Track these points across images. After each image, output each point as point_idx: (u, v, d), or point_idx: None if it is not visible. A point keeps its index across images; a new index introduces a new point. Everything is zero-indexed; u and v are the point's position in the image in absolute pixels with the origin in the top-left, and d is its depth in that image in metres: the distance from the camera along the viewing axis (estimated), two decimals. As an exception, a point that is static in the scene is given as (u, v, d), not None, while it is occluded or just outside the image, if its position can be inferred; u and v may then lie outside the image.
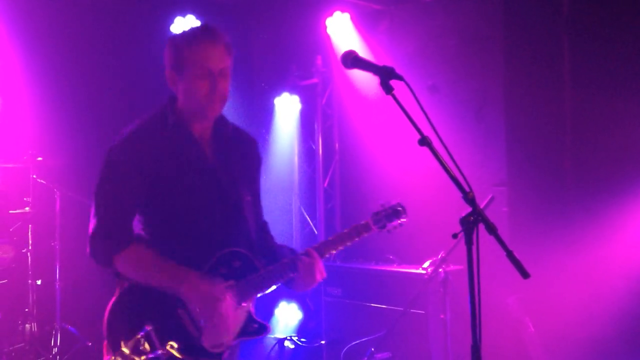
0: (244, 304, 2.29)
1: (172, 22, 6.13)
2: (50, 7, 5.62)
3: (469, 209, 1.88)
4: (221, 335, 2.22)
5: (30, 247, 5.23)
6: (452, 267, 4.35)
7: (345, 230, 2.49)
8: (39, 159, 5.29)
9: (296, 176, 6.70)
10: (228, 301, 2.22)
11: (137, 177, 2.26)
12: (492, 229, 1.83)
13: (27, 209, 5.25)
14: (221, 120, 2.45)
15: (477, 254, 1.83)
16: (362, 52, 5.83)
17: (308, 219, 6.56)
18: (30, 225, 5.26)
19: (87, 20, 5.91)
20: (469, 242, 1.85)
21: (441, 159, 1.91)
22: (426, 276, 4.42)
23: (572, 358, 4.57)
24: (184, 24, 6.11)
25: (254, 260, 2.36)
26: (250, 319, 2.33)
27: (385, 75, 2.01)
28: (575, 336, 4.59)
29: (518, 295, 4.73)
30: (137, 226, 2.32)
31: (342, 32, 5.95)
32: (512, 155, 5.06)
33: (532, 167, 5.02)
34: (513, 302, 4.73)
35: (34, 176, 5.29)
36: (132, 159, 2.28)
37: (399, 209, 2.60)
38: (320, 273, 2.38)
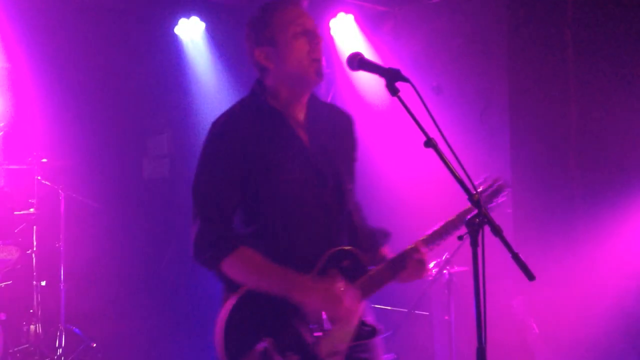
0: None
1: (176, 23, 6.15)
2: (56, 11, 5.65)
3: (474, 211, 1.88)
4: (340, 339, 2.10)
5: (34, 249, 5.24)
6: (456, 269, 4.35)
7: (450, 218, 2.31)
8: (44, 160, 5.30)
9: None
10: (352, 292, 2.09)
11: (237, 169, 2.13)
12: (497, 231, 1.83)
13: (31, 210, 5.27)
14: (314, 99, 2.30)
15: (482, 255, 1.82)
16: (367, 53, 5.82)
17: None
18: (34, 227, 5.27)
19: (92, 23, 5.94)
20: (474, 244, 1.84)
21: (447, 160, 1.91)
22: (431, 277, 4.41)
23: (577, 360, 4.56)
24: (188, 25, 6.12)
25: (362, 259, 2.22)
26: (361, 322, 2.20)
27: (392, 77, 1.99)
28: (580, 338, 4.57)
29: (523, 297, 4.72)
30: (235, 223, 2.19)
31: (345, 33, 5.95)
32: (517, 156, 5.05)
33: (537, 168, 5.01)
34: (518, 303, 4.72)
35: (39, 178, 5.31)
36: (229, 149, 2.13)
37: (501, 183, 2.44)
38: (427, 267, 2.26)
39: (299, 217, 2.17)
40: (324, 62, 2.20)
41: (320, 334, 2.08)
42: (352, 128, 2.40)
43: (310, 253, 2.15)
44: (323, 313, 2.08)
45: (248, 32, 2.27)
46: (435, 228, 2.31)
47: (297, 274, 2.09)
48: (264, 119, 2.20)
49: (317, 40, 2.19)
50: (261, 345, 1.95)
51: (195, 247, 2.14)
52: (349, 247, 2.22)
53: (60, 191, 5.35)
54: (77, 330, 5.30)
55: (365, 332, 2.20)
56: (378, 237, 2.40)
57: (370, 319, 2.24)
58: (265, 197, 2.15)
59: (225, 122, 2.20)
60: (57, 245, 5.36)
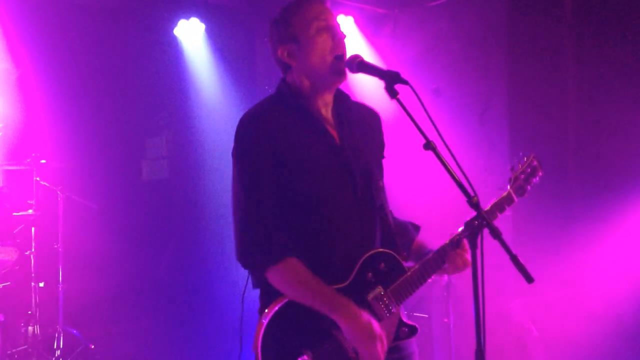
0: (393, 310, 2.14)
1: (175, 25, 6.14)
2: (55, 12, 5.64)
3: (474, 213, 1.88)
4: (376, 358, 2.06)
5: (33, 250, 5.23)
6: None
7: (487, 208, 2.24)
8: (43, 161, 5.29)
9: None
10: (384, 342, 2.05)
11: (274, 164, 2.08)
12: (496, 234, 1.83)
13: (30, 211, 5.25)
14: (341, 95, 2.27)
15: (481, 258, 1.83)
16: (366, 55, 5.83)
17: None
18: (33, 228, 5.26)
19: (91, 24, 5.93)
20: (473, 247, 1.85)
21: (446, 163, 1.91)
22: (430, 280, 4.41)
23: (576, 363, 4.56)
24: (187, 27, 6.12)
25: (399, 259, 2.18)
26: (400, 323, 2.18)
27: (391, 79, 1.99)
28: (579, 341, 4.57)
29: (522, 300, 4.71)
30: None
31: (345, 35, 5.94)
32: (515, 158, 5.04)
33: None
34: (516, 306, 4.72)
35: (38, 179, 5.30)
36: (263, 144, 2.08)
37: (535, 163, 2.39)
38: (467, 261, 2.17)
39: (332, 214, 2.12)
40: (346, 59, 2.16)
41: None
42: (380, 125, 2.38)
43: (345, 252, 2.12)
44: None
45: (271, 31, 2.25)
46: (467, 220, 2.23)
47: (343, 298, 2.04)
48: (293, 115, 2.17)
49: (340, 36, 2.18)
50: (302, 358, 1.94)
51: (242, 249, 2.08)
52: (384, 249, 2.18)
53: (59, 192, 5.34)
54: (75, 331, 5.29)
55: (404, 333, 2.19)
56: (410, 229, 2.37)
57: (406, 318, 2.22)
58: (298, 194, 2.10)
59: (254, 119, 2.15)
60: (55, 246, 5.35)
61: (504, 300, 4.68)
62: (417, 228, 2.39)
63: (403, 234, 2.34)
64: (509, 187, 2.36)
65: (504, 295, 4.63)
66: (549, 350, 4.62)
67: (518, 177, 2.38)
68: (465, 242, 2.15)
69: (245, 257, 2.08)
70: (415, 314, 4.47)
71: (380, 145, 2.36)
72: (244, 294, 2.21)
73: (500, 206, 2.31)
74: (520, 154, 2.45)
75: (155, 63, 6.56)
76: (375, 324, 2.04)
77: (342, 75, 2.18)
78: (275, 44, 2.23)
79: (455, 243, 2.16)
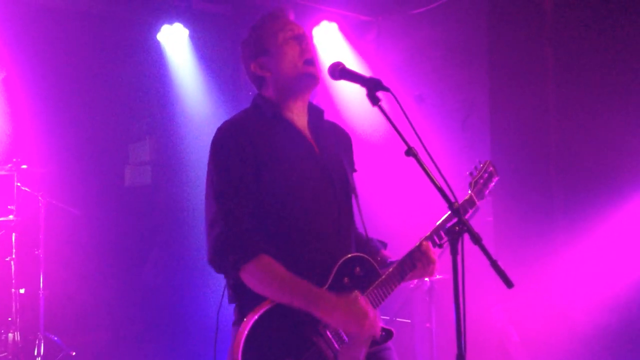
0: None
1: (159, 30, 6.13)
2: (38, 17, 5.61)
3: (455, 219, 1.90)
4: (359, 349, 2.09)
5: (13, 256, 5.18)
6: (437, 277, 4.37)
7: (450, 213, 2.22)
8: (24, 167, 5.25)
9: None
10: (373, 311, 2.09)
11: (252, 170, 2.10)
12: (476, 239, 1.85)
13: (11, 217, 5.21)
14: (315, 109, 2.33)
15: (462, 263, 1.85)
16: (350, 62, 5.87)
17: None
18: (14, 234, 5.22)
19: (75, 29, 5.91)
20: (454, 252, 1.87)
21: (427, 169, 1.93)
22: (412, 285, 4.44)
23: (557, 367, 4.60)
24: (171, 32, 6.11)
25: (373, 263, 2.21)
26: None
27: (373, 86, 2.02)
28: (560, 345, 4.62)
29: (503, 304, 4.76)
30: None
31: (328, 41, 5.98)
32: (498, 163, 5.09)
33: (517, 177, 5.07)
34: (498, 311, 4.76)
35: (19, 184, 5.26)
36: (241, 150, 2.10)
37: (491, 169, 2.47)
38: (436, 264, 2.24)
39: (312, 220, 2.15)
40: (317, 62, 2.24)
41: (339, 346, 2.07)
42: (351, 144, 2.46)
43: (323, 259, 2.14)
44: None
45: (243, 52, 2.32)
46: (438, 223, 2.29)
47: (319, 289, 2.05)
48: (271, 124, 2.21)
49: (306, 41, 2.24)
50: None
51: (214, 251, 2.07)
52: (359, 254, 2.21)
53: (40, 198, 5.31)
54: (56, 338, 5.24)
55: (381, 337, 2.20)
56: (377, 244, 2.41)
57: (382, 323, 2.23)
58: (278, 200, 2.12)
59: (233, 126, 2.17)
60: (36, 252, 5.31)
61: (485, 304, 4.72)
62: (384, 244, 2.43)
63: (371, 245, 2.38)
64: (470, 191, 2.43)
65: (486, 299, 4.67)
66: (530, 354, 4.66)
67: (477, 182, 2.45)
68: (429, 244, 2.24)
69: (219, 258, 2.06)
70: (397, 319, 4.49)
71: (352, 161, 2.43)
72: (219, 308, 2.21)
73: (463, 208, 2.38)
74: (477, 160, 2.52)
75: (139, 68, 6.54)
76: (359, 302, 2.06)
77: (314, 78, 2.24)
78: (247, 61, 2.30)
79: (419, 246, 2.23)
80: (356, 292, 2.09)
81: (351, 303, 2.05)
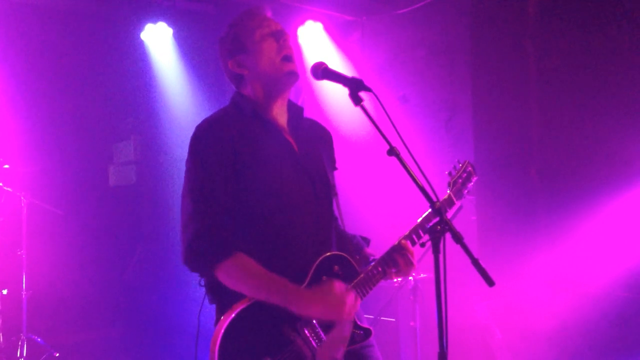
0: None
1: (142, 29, 6.10)
2: (21, 15, 5.56)
3: (436, 218, 1.92)
4: (337, 346, 2.09)
5: (-4, 256, 5.14)
6: (421, 275, 4.40)
7: (429, 212, 2.27)
8: (6, 166, 5.21)
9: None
10: (351, 292, 2.08)
11: (229, 169, 2.08)
12: (458, 238, 1.86)
13: (-7, 217, 5.16)
14: (294, 107, 2.32)
15: (444, 262, 1.86)
16: (334, 62, 5.88)
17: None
18: (-4, 234, 5.17)
19: (58, 28, 5.87)
20: (436, 251, 1.88)
21: (409, 169, 1.94)
22: (396, 284, 4.46)
23: (539, 364, 4.65)
24: (155, 31, 6.09)
25: (352, 261, 2.21)
26: (355, 326, 2.20)
27: (355, 86, 2.03)
28: (543, 343, 4.66)
29: (486, 303, 4.79)
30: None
31: (313, 41, 5.98)
32: (480, 164, 5.15)
33: (500, 176, 5.11)
34: (481, 309, 4.80)
35: (1, 184, 5.21)
36: (219, 150, 2.09)
37: (470, 169, 2.48)
38: (415, 262, 2.23)
39: (292, 218, 2.14)
40: (295, 59, 2.23)
41: (317, 345, 2.07)
42: (332, 142, 2.44)
43: (302, 258, 2.13)
44: (316, 324, 2.07)
45: (220, 48, 2.30)
46: (418, 222, 2.30)
47: (295, 285, 2.04)
48: (250, 122, 2.20)
49: (284, 37, 2.23)
50: None
51: (189, 251, 2.06)
52: (339, 252, 2.21)
53: (22, 198, 5.26)
54: (39, 339, 5.21)
55: (359, 336, 2.21)
56: (359, 241, 2.41)
57: (361, 322, 2.24)
58: (257, 198, 2.11)
59: (211, 125, 2.16)
60: (19, 253, 5.26)
61: (469, 303, 4.75)
62: (367, 240, 2.44)
63: (353, 243, 2.38)
64: (448, 190, 2.44)
65: (469, 298, 4.71)
66: (512, 352, 4.71)
67: (456, 182, 2.46)
68: (408, 243, 2.24)
69: (193, 259, 2.05)
70: (382, 317, 4.51)
71: (332, 159, 2.42)
72: (200, 309, 2.20)
73: (443, 207, 2.35)
74: (457, 160, 2.54)
75: (123, 67, 6.51)
76: (335, 289, 2.06)
77: (293, 75, 2.22)
78: (225, 59, 2.29)
79: (398, 245, 2.22)
80: (330, 280, 2.08)
81: (327, 292, 2.05)
